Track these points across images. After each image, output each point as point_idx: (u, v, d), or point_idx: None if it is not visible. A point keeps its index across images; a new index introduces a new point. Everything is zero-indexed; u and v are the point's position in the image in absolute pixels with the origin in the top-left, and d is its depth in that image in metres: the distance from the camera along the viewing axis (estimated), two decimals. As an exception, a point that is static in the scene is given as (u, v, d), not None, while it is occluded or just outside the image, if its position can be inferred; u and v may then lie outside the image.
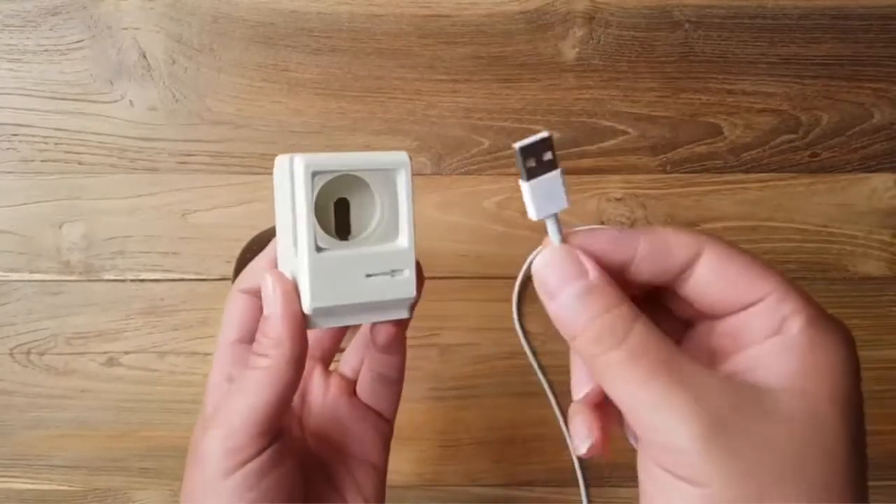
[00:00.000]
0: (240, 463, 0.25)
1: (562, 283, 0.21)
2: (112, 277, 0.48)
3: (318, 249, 0.25)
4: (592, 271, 0.21)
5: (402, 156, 0.26)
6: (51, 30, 0.48)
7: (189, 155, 0.48)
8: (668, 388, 0.20)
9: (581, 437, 0.23)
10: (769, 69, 0.48)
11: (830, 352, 0.20)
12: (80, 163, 0.48)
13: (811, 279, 0.48)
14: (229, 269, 0.47)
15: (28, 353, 0.48)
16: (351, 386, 0.32)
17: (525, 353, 0.48)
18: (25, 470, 0.49)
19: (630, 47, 0.48)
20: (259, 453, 0.25)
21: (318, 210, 0.25)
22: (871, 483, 0.44)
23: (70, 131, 0.48)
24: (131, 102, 0.48)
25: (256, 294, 0.27)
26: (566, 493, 0.49)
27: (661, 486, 0.20)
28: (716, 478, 0.19)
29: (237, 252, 0.47)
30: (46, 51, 0.48)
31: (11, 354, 0.48)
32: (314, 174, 0.25)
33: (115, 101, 0.48)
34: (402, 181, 0.26)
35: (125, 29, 0.48)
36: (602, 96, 0.48)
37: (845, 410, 0.20)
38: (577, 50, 0.48)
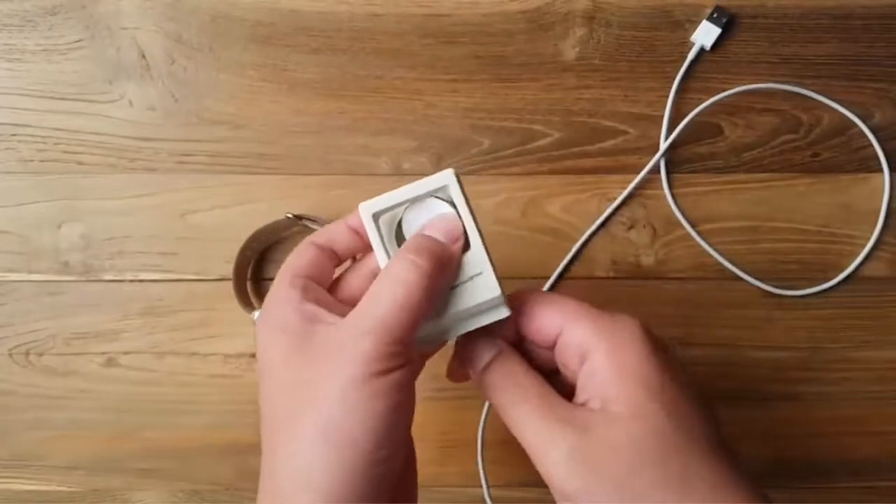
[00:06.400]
0: (390, 369, 0.25)
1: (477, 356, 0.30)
2: (111, 278, 0.48)
3: None
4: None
5: (448, 174, 0.28)
6: (49, 29, 0.48)
7: (188, 155, 0.48)
8: (546, 424, 0.26)
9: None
10: (770, 69, 0.48)
11: (627, 352, 0.26)
12: (78, 163, 0.48)
13: (812, 279, 0.48)
14: (228, 270, 0.47)
15: (27, 353, 0.48)
16: None
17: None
18: (24, 470, 0.49)
19: (631, 47, 0.48)
20: (406, 364, 0.26)
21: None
22: (874, 484, 0.43)
23: (69, 131, 0.48)
24: (130, 102, 0.48)
25: (327, 248, 0.30)
26: (566, 494, 0.49)
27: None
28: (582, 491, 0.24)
29: (236, 252, 0.47)
30: (45, 50, 0.48)
31: (10, 355, 0.48)
32: (374, 216, 0.28)
33: (114, 101, 0.48)
34: (456, 194, 0.28)
35: (124, 28, 0.48)
36: (602, 96, 0.48)
37: (662, 401, 0.25)
38: (577, 49, 0.48)
